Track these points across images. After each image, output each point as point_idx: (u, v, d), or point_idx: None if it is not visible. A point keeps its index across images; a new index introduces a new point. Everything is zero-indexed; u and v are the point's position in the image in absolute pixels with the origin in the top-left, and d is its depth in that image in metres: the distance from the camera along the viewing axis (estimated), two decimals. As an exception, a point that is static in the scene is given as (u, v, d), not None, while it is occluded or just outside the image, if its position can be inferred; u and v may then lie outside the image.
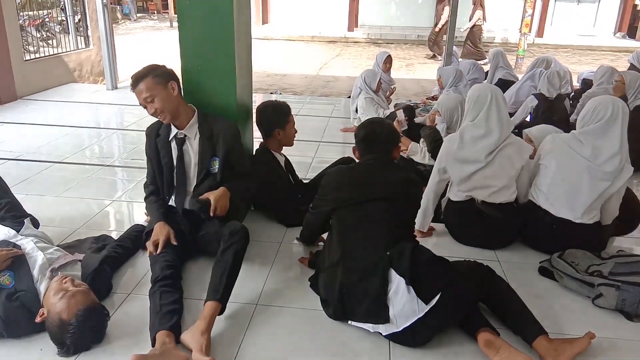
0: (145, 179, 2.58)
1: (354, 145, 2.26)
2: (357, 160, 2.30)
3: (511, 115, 4.73)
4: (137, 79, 2.30)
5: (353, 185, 2.09)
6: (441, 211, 2.83)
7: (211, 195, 2.33)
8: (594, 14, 16.39)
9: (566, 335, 1.99)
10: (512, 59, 10.87)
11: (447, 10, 11.13)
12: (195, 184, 2.44)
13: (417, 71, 10.77)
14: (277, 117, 2.83)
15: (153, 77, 2.29)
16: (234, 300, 2.14)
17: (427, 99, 6.21)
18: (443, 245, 2.73)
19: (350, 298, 1.92)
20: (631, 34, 16.12)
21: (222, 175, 2.43)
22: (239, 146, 2.55)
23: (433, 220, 2.82)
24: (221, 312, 1.99)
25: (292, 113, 2.94)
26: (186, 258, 2.34)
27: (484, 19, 11.30)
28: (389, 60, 6.09)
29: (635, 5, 16.15)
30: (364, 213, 2.00)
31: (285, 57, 12.26)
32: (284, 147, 2.97)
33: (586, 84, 6.00)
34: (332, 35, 15.64)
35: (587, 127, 2.48)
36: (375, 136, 2.15)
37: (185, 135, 2.43)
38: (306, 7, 16.55)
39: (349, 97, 5.79)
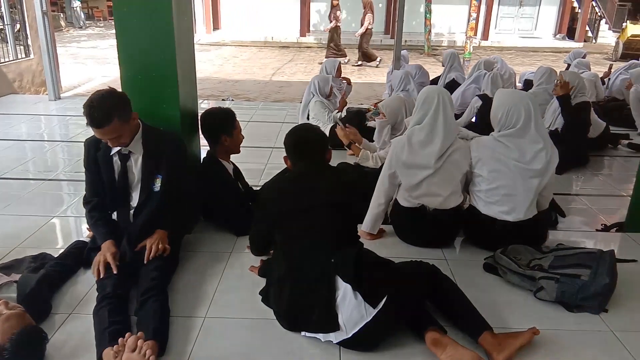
0: (85, 193, 2.47)
1: (285, 155, 2.20)
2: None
3: (458, 117, 4.88)
4: (101, 122, 2.11)
5: (291, 195, 2.04)
6: (387, 215, 2.86)
7: (148, 242, 2.26)
8: (535, 16, 17.12)
9: (511, 329, 2.04)
10: (460, 61, 11.21)
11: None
12: (138, 202, 2.36)
13: (368, 75, 10.92)
14: (223, 124, 2.79)
15: (119, 117, 2.14)
16: (180, 314, 2.09)
17: (376, 102, 6.30)
18: (391, 246, 2.77)
19: (301, 309, 1.91)
20: (570, 35, 16.96)
21: (165, 194, 2.35)
22: (183, 163, 2.48)
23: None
24: (161, 352, 1.86)
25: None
26: (132, 283, 2.23)
27: (373, 21, 11.59)
28: (339, 67, 6.12)
29: (573, 8, 17.01)
30: (306, 222, 1.97)
31: (237, 62, 12.18)
32: (232, 155, 2.94)
33: (528, 84, 6.26)
34: (284, 40, 15.66)
35: (505, 132, 2.54)
36: (305, 142, 2.12)
37: (130, 152, 2.34)
38: (258, 12, 16.49)
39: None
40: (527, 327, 1.99)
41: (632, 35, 13.32)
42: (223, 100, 7.46)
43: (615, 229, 3.24)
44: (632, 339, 2.04)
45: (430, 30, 14.09)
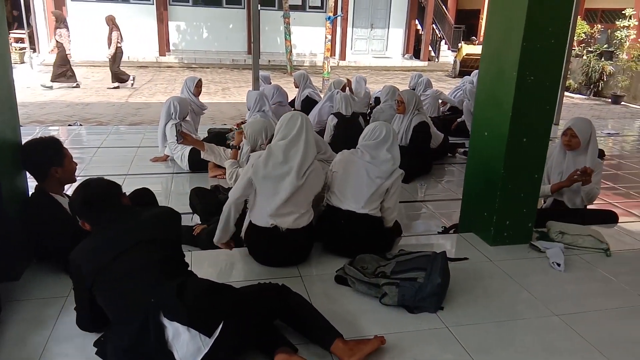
0: None
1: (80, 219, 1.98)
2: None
3: (318, 134, 5.06)
4: None
5: (100, 248, 1.86)
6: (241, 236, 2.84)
7: None
8: (385, 38, 18.59)
9: (362, 335, 2.14)
10: (320, 80, 11.72)
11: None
12: None
13: (233, 95, 10.88)
14: (50, 154, 2.51)
15: None
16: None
17: (239, 123, 6.28)
18: (248, 268, 2.75)
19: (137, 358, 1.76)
20: (416, 55, 18.69)
21: None
22: None
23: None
24: None
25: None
26: None
27: (122, 39, 10.74)
28: (199, 84, 6.01)
29: (417, 30, 18.79)
30: (123, 268, 1.82)
31: (88, 84, 11.29)
32: (66, 186, 2.69)
33: (377, 100, 6.75)
34: (142, 60, 14.98)
35: (367, 142, 2.94)
36: (96, 197, 1.94)
37: None
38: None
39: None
40: (376, 333, 2.10)
41: (467, 54, 15.06)
42: (70, 125, 6.84)
43: (453, 230, 3.58)
44: (463, 332, 2.24)
45: (291, 51, 14.54)
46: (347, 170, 2.90)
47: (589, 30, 13.21)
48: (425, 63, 17.93)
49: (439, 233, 3.62)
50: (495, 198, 3.04)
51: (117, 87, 10.72)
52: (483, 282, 2.70)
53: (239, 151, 3.82)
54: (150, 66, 14.81)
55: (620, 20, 12.06)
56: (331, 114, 5.45)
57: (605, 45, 12.71)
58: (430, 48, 18.80)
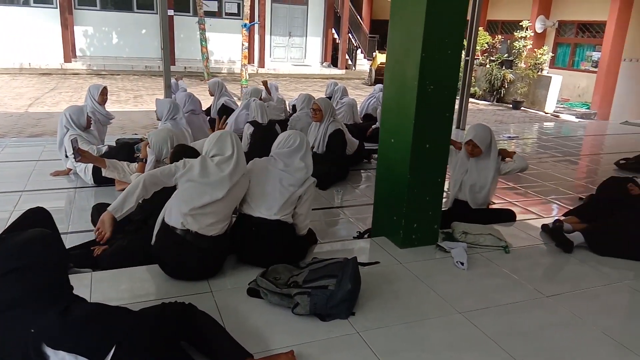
0: None
1: None
2: None
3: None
4: None
5: None
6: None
7: None
8: (304, 46, 18.80)
9: (273, 350, 2.11)
10: (238, 88, 11.59)
11: None
12: None
13: (146, 103, 10.45)
14: None
15: None
16: None
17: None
18: (154, 287, 2.64)
19: None
20: (334, 63, 19.07)
21: None
22: None
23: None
24: None
25: None
26: None
27: None
28: (104, 92, 5.68)
29: (334, 39, 19.18)
30: None
31: (-17, 93, 10.38)
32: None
33: (294, 108, 6.79)
34: (45, 67, 14.01)
35: (280, 150, 2.97)
36: None
37: None
38: (8, 34, 14.38)
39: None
40: (288, 345, 2.08)
41: (381, 63, 15.56)
42: (-42, 138, 6.23)
43: (367, 234, 3.66)
44: (373, 336, 2.29)
45: (208, 58, 14.26)
46: (260, 177, 2.89)
47: (490, 40, 14.17)
48: (343, 71, 18.34)
49: (354, 238, 3.68)
50: (403, 202, 3.15)
51: None
52: (393, 285, 2.78)
53: (146, 164, 3.67)
54: (54, 73, 13.89)
55: (518, 31, 13.08)
56: (247, 122, 5.40)
57: (505, 55, 13.71)
58: (347, 57, 19.25)
